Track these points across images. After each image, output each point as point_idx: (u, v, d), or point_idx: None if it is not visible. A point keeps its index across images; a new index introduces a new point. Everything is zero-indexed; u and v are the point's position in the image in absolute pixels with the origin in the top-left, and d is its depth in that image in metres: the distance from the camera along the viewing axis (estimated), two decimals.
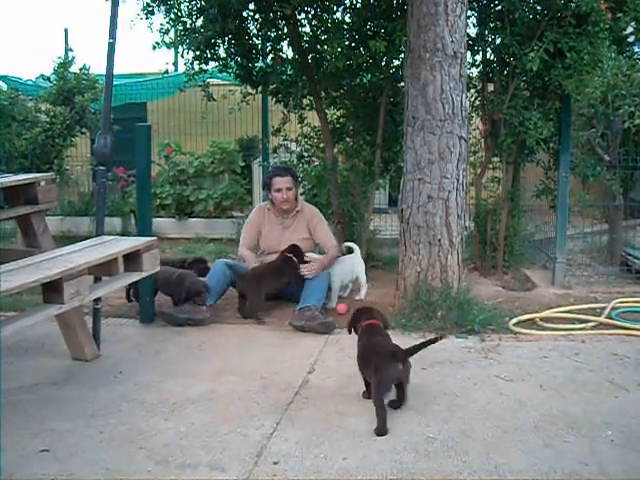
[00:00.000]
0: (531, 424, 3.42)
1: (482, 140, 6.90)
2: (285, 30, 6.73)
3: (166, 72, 7.33)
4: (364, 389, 3.76)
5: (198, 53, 6.61)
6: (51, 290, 3.52)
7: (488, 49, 6.56)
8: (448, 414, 3.55)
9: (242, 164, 10.19)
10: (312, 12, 6.62)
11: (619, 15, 5.74)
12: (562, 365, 4.27)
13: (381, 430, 3.37)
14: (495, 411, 3.59)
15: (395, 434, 3.31)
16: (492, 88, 6.63)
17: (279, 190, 5.77)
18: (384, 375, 3.53)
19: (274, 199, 5.85)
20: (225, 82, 8.49)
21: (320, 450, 3.15)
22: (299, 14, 6.64)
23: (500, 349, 4.58)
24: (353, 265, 5.90)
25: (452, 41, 5.07)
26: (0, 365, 3.74)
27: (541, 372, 4.14)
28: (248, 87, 7.13)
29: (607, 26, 5.55)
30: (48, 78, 10.56)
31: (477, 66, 6.69)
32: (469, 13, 5.99)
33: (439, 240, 5.21)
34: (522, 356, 4.45)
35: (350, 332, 4.09)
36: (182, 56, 6.70)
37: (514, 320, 5.14)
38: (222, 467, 3.00)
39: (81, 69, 10.23)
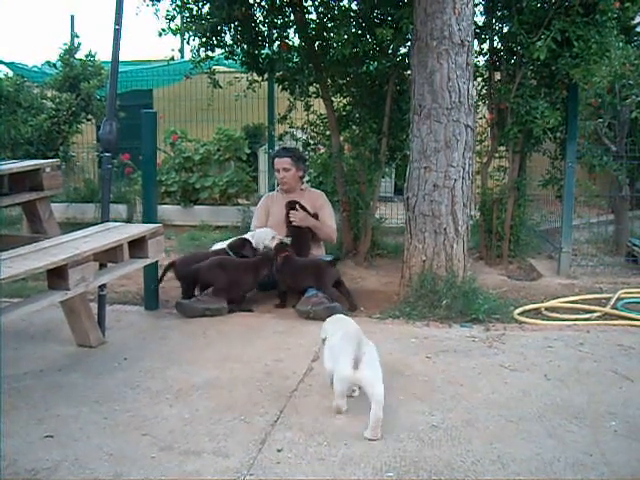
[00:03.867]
0: (535, 414, 3.42)
1: (488, 129, 6.88)
2: (291, 17, 6.71)
3: (172, 59, 7.29)
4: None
5: (204, 40, 6.59)
6: (56, 276, 3.53)
7: (495, 37, 6.54)
8: (452, 403, 3.55)
9: (248, 151, 10.19)
10: None
11: (627, 4, 5.72)
12: (567, 355, 4.26)
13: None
14: (499, 400, 3.58)
15: (399, 422, 3.31)
16: (499, 77, 6.61)
17: (277, 170, 6.14)
18: (327, 276, 5.21)
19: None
20: (231, 69, 8.48)
21: (324, 438, 3.16)
22: (306, 1, 6.61)
23: (505, 338, 4.57)
24: None
25: (459, 29, 5.04)
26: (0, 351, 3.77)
27: (545, 362, 4.14)
28: (254, 74, 7.11)
29: (615, 15, 5.54)
30: (54, 65, 10.55)
31: (484, 54, 6.67)
32: (476, 1, 5.99)
33: (445, 229, 5.19)
34: (527, 346, 4.44)
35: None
36: (188, 43, 6.68)
37: (519, 310, 5.14)
38: (226, 454, 3.00)
39: (87, 56, 10.24)
